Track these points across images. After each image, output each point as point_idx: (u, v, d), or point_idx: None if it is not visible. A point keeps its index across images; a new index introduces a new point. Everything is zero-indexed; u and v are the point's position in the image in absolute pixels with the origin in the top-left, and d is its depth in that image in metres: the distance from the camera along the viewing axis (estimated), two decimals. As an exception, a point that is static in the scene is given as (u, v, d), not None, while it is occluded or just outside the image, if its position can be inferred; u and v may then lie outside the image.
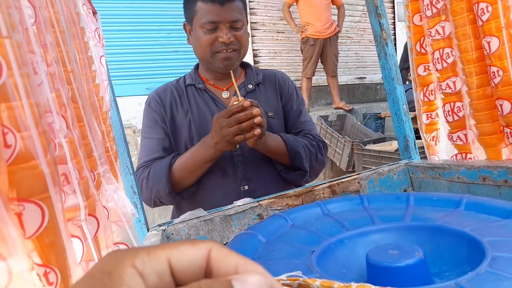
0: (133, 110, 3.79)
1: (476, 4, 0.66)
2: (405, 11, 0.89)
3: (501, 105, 0.68)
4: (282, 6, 4.04)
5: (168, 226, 0.82)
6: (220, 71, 1.08)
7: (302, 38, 3.95)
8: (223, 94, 1.12)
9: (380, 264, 0.42)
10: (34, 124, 0.30)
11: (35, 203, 0.28)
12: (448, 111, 0.80)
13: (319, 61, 4.01)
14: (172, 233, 0.81)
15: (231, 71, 0.99)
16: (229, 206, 0.88)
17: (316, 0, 3.83)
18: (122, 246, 0.48)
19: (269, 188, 1.03)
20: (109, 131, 0.64)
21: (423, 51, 0.85)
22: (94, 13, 0.79)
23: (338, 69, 4.19)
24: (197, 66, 1.17)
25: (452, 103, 0.79)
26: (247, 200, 0.91)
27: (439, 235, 0.49)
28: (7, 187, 0.26)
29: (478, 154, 0.77)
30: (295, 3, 3.91)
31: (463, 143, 0.79)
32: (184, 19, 1.16)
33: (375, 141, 3.05)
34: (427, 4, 0.78)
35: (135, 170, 1.01)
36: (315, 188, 0.91)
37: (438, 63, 0.79)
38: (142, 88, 3.91)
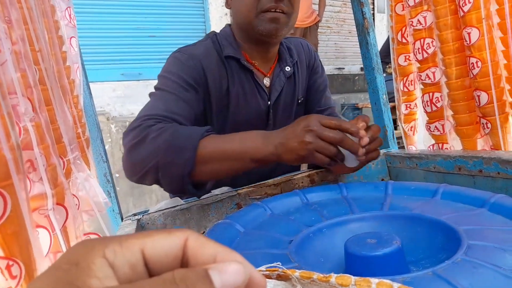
0: (107, 97, 3.68)
1: (456, -4, 0.66)
2: (387, 0, 0.88)
3: (478, 96, 0.68)
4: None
5: (143, 215, 0.79)
6: (262, 36, 0.87)
7: (282, 27, 3.92)
8: (264, 81, 0.95)
9: (358, 254, 0.42)
10: (-8, 105, 0.27)
11: (-7, 191, 0.25)
12: (427, 101, 0.80)
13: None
14: (148, 223, 0.79)
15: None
16: (207, 195, 0.86)
17: (297, -11, 3.80)
18: (93, 237, 0.46)
19: None
20: (81, 116, 0.60)
21: (404, 41, 0.85)
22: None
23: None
24: (231, 32, 0.95)
25: (431, 94, 0.79)
26: (225, 189, 0.89)
27: (416, 224, 0.50)
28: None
29: (454, 145, 0.78)
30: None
31: (440, 133, 0.80)
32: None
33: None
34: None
35: (133, 122, 0.72)
36: (294, 177, 0.90)
37: (419, 53, 0.79)
38: (117, 73, 3.80)
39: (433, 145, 0.83)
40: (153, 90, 0.85)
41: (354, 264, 0.43)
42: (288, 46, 1.01)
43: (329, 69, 5.28)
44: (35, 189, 0.35)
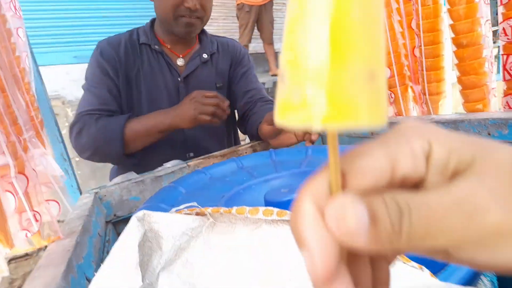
0: (61, 80, 3.58)
1: None
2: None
3: (383, 71, 0.81)
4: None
5: (100, 189, 0.88)
6: (179, 36, 1.06)
7: (238, 5, 3.95)
8: (177, 61, 1.11)
9: (272, 200, 0.54)
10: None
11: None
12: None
13: (255, 28, 4.06)
14: (105, 195, 0.87)
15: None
16: (159, 168, 0.95)
17: (250, -36, 3.81)
18: (53, 203, 0.55)
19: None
20: (33, 101, 0.67)
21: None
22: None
23: (274, 36, 4.27)
24: (151, 24, 1.13)
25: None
26: (176, 162, 0.99)
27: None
28: None
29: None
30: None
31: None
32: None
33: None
34: None
35: (74, 118, 0.99)
36: (239, 149, 1.01)
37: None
38: (69, 56, 3.69)
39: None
40: (84, 84, 1.05)
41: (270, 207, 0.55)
42: (213, 40, 1.19)
43: (286, 45, 5.37)
44: (0, 161, 0.43)
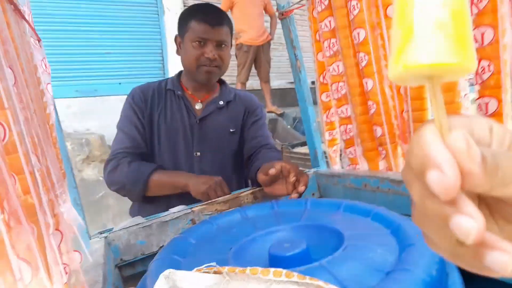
0: (61, 113, 3.65)
1: (358, 53, 0.87)
2: (312, 48, 1.09)
3: (375, 130, 0.90)
4: (216, 13, 4.19)
5: (109, 233, 0.92)
6: (200, 82, 1.23)
7: (237, 45, 4.13)
8: (196, 105, 1.27)
9: (276, 254, 0.60)
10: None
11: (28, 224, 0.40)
12: (343, 131, 1.01)
13: (253, 66, 4.22)
14: (113, 239, 0.92)
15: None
16: (165, 213, 1.01)
17: (250, 9, 4.02)
18: (76, 254, 0.60)
19: None
20: (59, 153, 0.74)
21: (325, 82, 1.05)
22: (39, 40, 0.87)
23: (270, 74, 4.44)
24: (179, 74, 1.31)
25: (345, 125, 1.00)
26: (181, 207, 1.04)
27: (321, 231, 0.68)
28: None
29: (364, 166, 0.99)
30: (229, 10, 4.07)
31: (353, 156, 1.01)
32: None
33: (303, 144, 3.32)
34: (326, 47, 0.98)
35: (110, 155, 1.20)
36: (240, 195, 1.07)
37: (336, 93, 1.00)
38: (71, 90, 3.79)
39: (349, 165, 1.04)
40: (118, 123, 1.25)
41: (275, 262, 0.61)
42: (232, 91, 1.34)
43: (282, 83, 5.56)
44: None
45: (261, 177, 0.97)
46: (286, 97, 5.57)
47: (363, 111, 0.92)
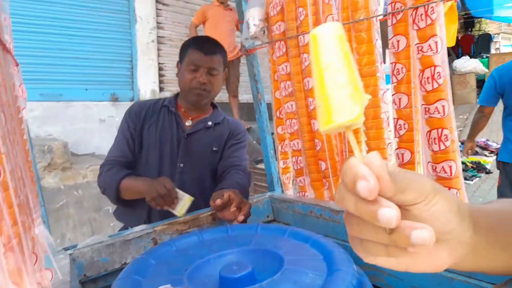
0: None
1: (307, 97, 1.01)
2: (270, 86, 1.21)
3: (320, 164, 1.03)
4: (189, 25, 4.27)
5: (74, 250, 0.98)
6: (191, 103, 1.36)
7: (207, 59, 4.20)
8: (186, 122, 1.39)
9: (226, 276, 0.70)
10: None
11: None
12: (295, 161, 1.13)
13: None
14: (78, 256, 0.98)
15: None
16: (128, 231, 1.08)
17: (222, 25, 4.14)
18: (48, 272, 0.67)
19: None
20: (33, 176, 0.80)
21: (281, 116, 1.18)
22: (17, 65, 0.93)
23: (240, 88, 4.56)
24: (177, 94, 1.46)
25: (296, 157, 1.12)
26: (143, 226, 1.12)
27: (266, 255, 0.79)
28: None
29: (312, 194, 1.12)
30: (201, 25, 4.16)
31: (302, 184, 1.13)
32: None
33: (266, 159, 3.45)
34: (283, 87, 1.11)
35: (104, 160, 1.35)
36: (200, 216, 1.16)
37: (289, 128, 1.12)
38: (34, 93, 3.70)
39: (299, 192, 1.16)
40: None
41: (224, 283, 0.70)
42: (223, 116, 1.46)
43: (250, 97, 5.67)
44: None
45: (211, 203, 1.07)
46: (253, 112, 5.70)
47: (310, 146, 1.05)
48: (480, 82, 7.01)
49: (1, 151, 0.50)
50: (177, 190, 1.15)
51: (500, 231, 0.43)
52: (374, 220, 0.30)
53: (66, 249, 1.00)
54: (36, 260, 0.60)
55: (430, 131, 0.74)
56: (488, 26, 11.68)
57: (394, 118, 0.81)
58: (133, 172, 1.31)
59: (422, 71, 0.73)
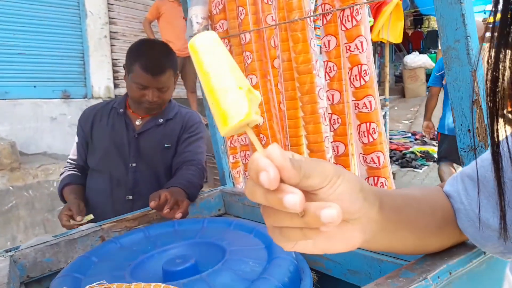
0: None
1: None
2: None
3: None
4: (143, 20, 4.18)
5: (15, 251, 0.96)
6: (143, 113, 1.37)
7: (163, 55, 4.13)
8: (136, 121, 1.38)
9: (168, 269, 0.71)
10: None
11: None
12: (243, 156, 1.17)
13: (179, 77, 4.28)
14: (19, 258, 0.96)
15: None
16: (74, 231, 1.06)
17: (176, 20, 4.07)
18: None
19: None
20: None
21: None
22: None
23: (197, 84, 4.53)
24: (127, 94, 1.41)
25: (244, 151, 1.16)
26: (91, 225, 1.11)
27: (210, 247, 0.82)
28: None
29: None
30: (156, 20, 4.08)
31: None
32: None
33: (225, 154, 3.47)
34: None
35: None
36: (149, 213, 1.17)
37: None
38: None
39: (248, 186, 1.20)
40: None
41: (167, 276, 0.72)
42: (175, 109, 1.43)
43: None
44: None
45: (150, 204, 1.06)
46: (213, 106, 5.68)
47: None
48: (429, 76, 7.43)
49: None
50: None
51: (405, 212, 0.48)
52: (282, 207, 0.31)
53: (7, 251, 0.97)
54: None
55: (360, 124, 0.80)
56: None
57: (329, 113, 0.86)
58: (75, 180, 1.39)
59: (351, 69, 0.79)
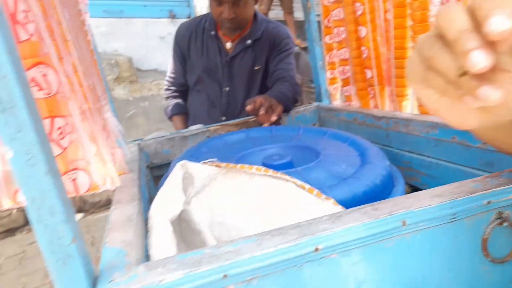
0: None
1: (355, 2, 0.99)
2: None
3: (366, 72, 1.04)
4: None
5: (141, 141, 1.15)
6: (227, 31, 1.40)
7: (262, -28, 4.01)
8: (227, 44, 1.43)
9: (266, 163, 0.79)
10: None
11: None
12: (341, 71, 1.15)
13: (276, -4, 4.14)
14: (144, 147, 1.15)
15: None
16: (186, 130, 1.22)
17: None
18: (119, 149, 0.81)
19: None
20: (97, 64, 0.92)
21: (329, 25, 1.17)
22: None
23: (295, 5, 4.35)
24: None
25: (343, 66, 1.14)
26: (199, 126, 1.25)
27: (305, 149, 0.87)
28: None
29: (357, 103, 1.15)
30: None
31: (348, 94, 1.16)
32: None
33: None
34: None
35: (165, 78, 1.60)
36: (249, 121, 1.26)
37: (337, 36, 1.12)
38: (98, 10, 3.83)
39: (345, 101, 1.20)
40: None
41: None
42: (263, 26, 1.43)
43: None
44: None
45: (246, 108, 1.13)
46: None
47: (357, 54, 1.05)
48: None
49: (68, 38, 0.60)
50: None
51: None
52: (455, 57, 0.26)
53: (135, 140, 1.17)
54: (108, 136, 0.74)
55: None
56: None
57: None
58: (181, 109, 1.54)
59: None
